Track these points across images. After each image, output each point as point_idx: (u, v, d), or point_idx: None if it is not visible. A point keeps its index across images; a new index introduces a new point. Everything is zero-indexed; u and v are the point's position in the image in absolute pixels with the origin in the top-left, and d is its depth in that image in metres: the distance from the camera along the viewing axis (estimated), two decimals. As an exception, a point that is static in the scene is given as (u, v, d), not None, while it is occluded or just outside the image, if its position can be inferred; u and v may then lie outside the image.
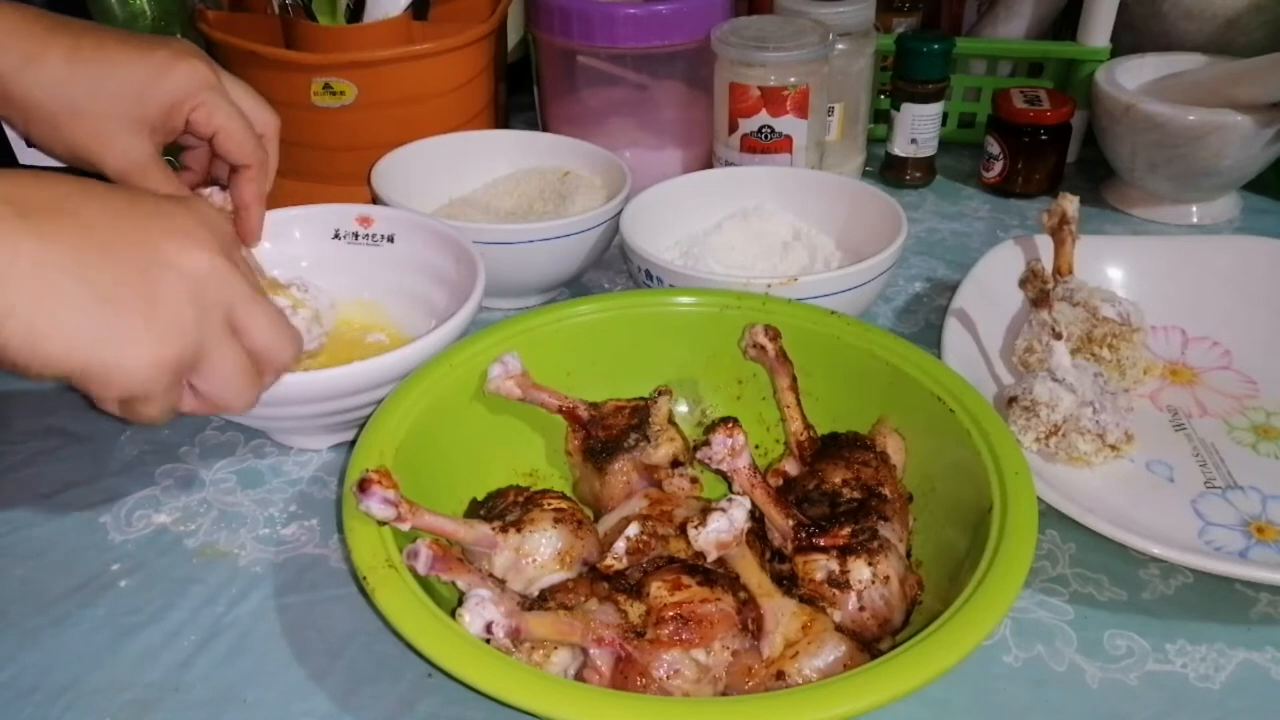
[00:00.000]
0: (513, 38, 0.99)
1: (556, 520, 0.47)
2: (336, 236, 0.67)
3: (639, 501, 0.51)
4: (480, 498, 0.52)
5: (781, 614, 0.43)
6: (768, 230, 0.73)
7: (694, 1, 0.82)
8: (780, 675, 0.41)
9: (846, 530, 0.46)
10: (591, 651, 0.41)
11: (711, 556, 0.42)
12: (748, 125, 0.80)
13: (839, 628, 0.43)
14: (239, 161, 0.57)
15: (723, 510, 0.42)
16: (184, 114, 0.54)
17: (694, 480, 0.53)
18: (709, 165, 0.86)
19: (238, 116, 0.55)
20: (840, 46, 0.82)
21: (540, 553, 0.46)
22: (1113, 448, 0.57)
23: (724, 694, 0.42)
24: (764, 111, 0.79)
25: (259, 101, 0.59)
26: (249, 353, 0.43)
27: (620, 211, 0.69)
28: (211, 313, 0.41)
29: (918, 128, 0.89)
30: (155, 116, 0.53)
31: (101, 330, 0.37)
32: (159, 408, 0.41)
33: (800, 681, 0.41)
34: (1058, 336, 0.58)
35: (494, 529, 0.46)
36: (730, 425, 0.45)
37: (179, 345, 0.39)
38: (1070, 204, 0.65)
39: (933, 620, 0.39)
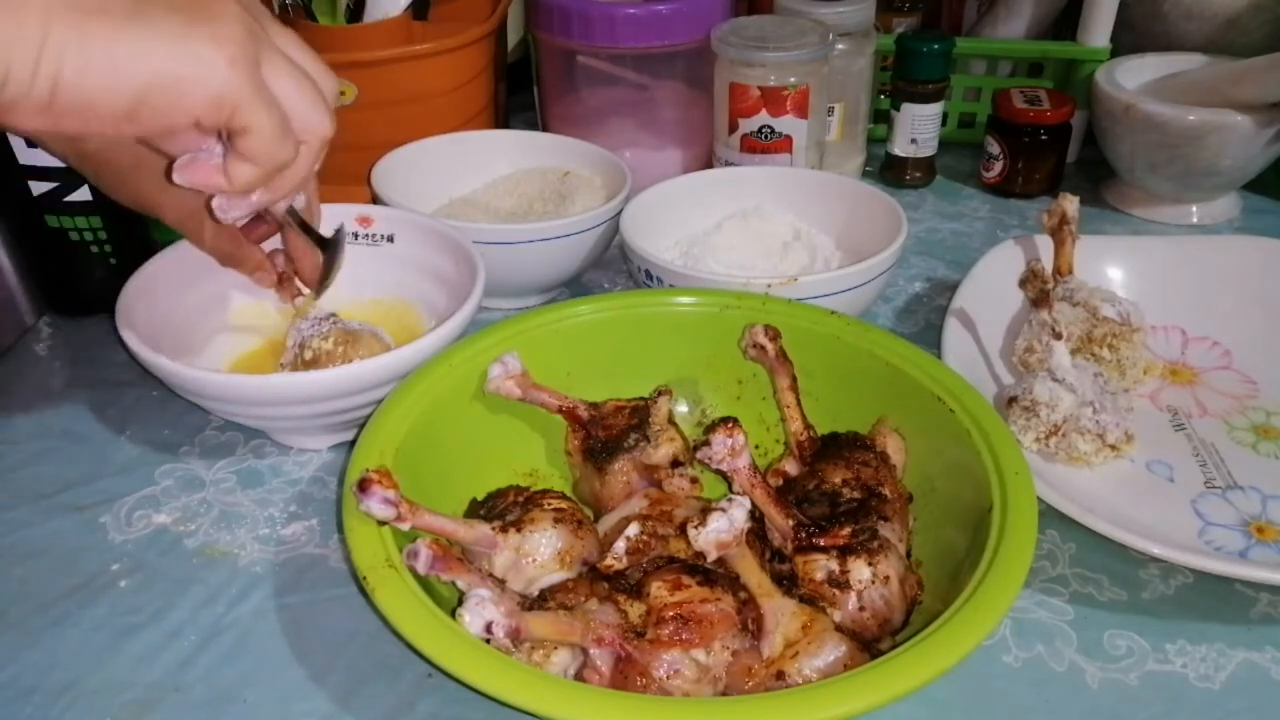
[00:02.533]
0: (513, 38, 0.99)
1: (556, 520, 0.47)
2: (336, 236, 0.67)
3: (639, 501, 0.51)
4: (480, 498, 0.52)
5: (781, 614, 0.43)
6: (768, 230, 0.73)
7: (694, 1, 0.82)
8: (780, 675, 0.41)
9: (846, 530, 0.46)
10: (591, 651, 0.41)
11: (711, 556, 0.42)
12: (748, 125, 0.80)
13: (839, 628, 0.43)
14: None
15: (723, 510, 0.42)
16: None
17: (694, 480, 0.53)
18: (709, 165, 0.86)
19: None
20: (840, 46, 0.82)
21: (540, 553, 0.46)
22: (1113, 448, 0.57)
23: (724, 694, 0.42)
24: (764, 111, 0.79)
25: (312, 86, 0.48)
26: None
27: (620, 211, 0.69)
28: (250, 11, 0.39)
29: (918, 128, 0.89)
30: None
31: (158, 30, 0.35)
32: (265, 117, 0.38)
33: (800, 681, 0.41)
34: (1058, 336, 0.58)
35: (494, 529, 0.46)
36: (730, 425, 0.45)
37: (240, 33, 0.37)
38: (1070, 204, 0.65)
39: (933, 620, 0.39)
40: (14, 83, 0.33)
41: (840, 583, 0.45)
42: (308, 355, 0.58)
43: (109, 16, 0.34)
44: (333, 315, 0.60)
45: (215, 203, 0.44)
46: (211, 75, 0.36)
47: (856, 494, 0.49)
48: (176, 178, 0.42)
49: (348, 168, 0.78)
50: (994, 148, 0.88)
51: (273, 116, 0.39)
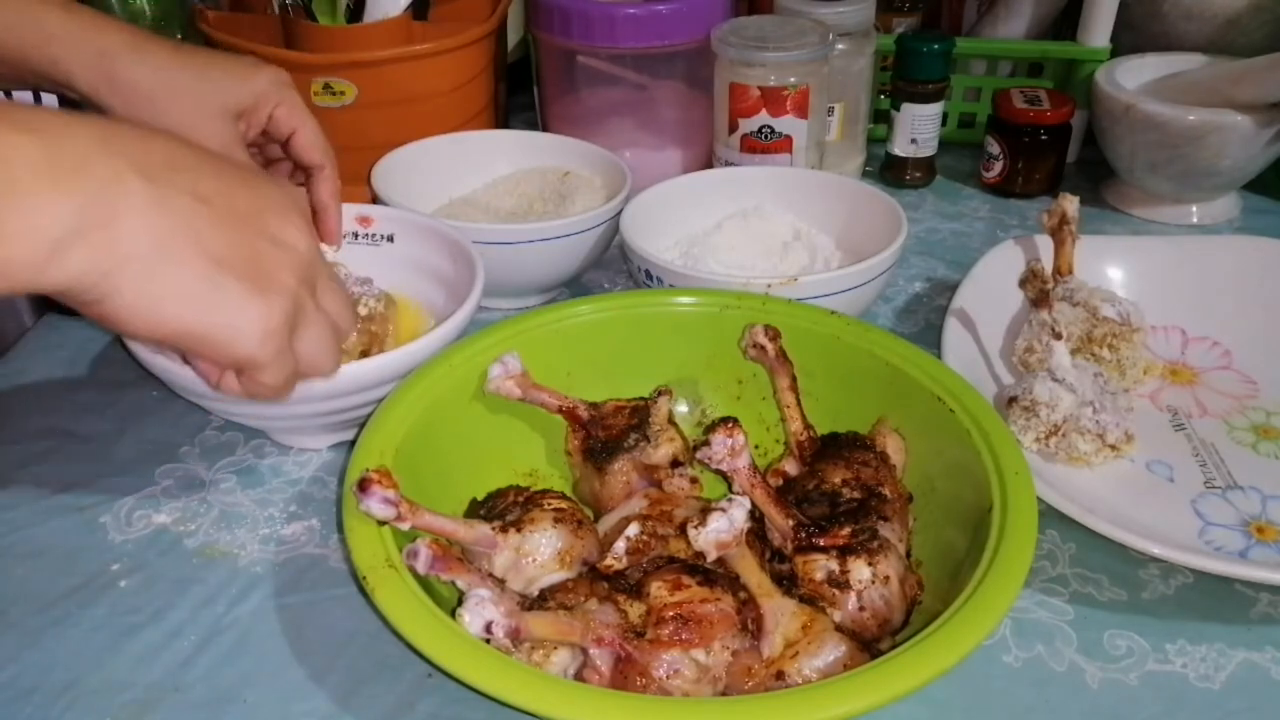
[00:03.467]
0: (513, 38, 0.99)
1: (556, 520, 0.47)
2: (336, 236, 0.67)
3: (639, 501, 0.51)
4: (480, 498, 0.52)
5: (781, 614, 0.43)
6: (768, 230, 0.73)
7: (694, 1, 0.82)
8: (780, 675, 0.41)
9: (846, 530, 0.46)
10: (591, 651, 0.41)
11: (711, 556, 0.42)
12: (748, 125, 0.80)
13: (839, 628, 0.43)
14: (313, 161, 0.60)
15: (723, 510, 0.42)
16: (268, 109, 0.57)
17: (694, 480, 0.53)
18: (709, 165, 0.86)
19: (312, 119, 0.59)
20: (840, 46, 0.82)
21: (540, 553, 0.46)
22: (1113, 448, 0.57)
23: (724, 694, 0.42)
24: (764, 111, 0.79)
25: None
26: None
27: (620, 211, 0.69)
28: (307, 286, 0.42)
29: (918, 128, 0.89)
30: (245, 106, 0.57)
31: (215, 295, 0.37)
32: (274, 375, 0.41)
33: (800, 681, 0.41)
34: (1058, 336, 0.58)
35: (494, 529, 0.46)
36: (730, 425, 0.45)
37: (285, 312, 0.40)
38: (1070, 204, 0.65)
39: (933, 620, 0.39)
40: (76, 288, 0.35)
41: (840, 583, 0.45)
42: (362, 311, 0.59)
43: (185, 272, 0.37)
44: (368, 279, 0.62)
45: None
46: (244, 344, 0.39)
47: (856, 494, 0.49)
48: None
49: (348, 168, 0.77)
50: (994, 148, 0.88)
51: (280, 375, 0.41)
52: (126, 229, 0.35)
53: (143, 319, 0.37)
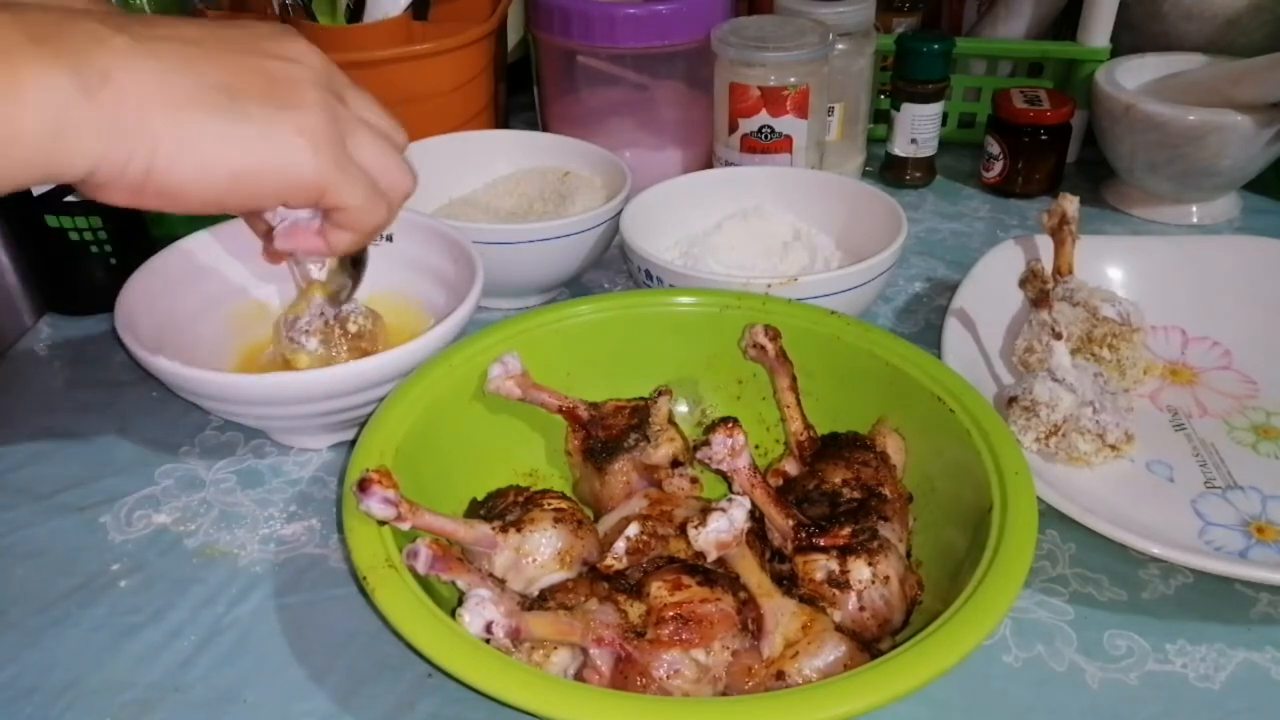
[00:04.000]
0: (513, 38, 0.99)
1: (556, 520, 0.47)
2: (336, 236, 0.67)
3: (639, 501, 0.51)
4: (480, 498, 0.52)
5: (781, 614, 0.43)
6: (768, 230, 0.73)
7: (694, 1, 0.82)
8: (780, 675, 0.41)
9: (846, 530, 0.46)
10: (591, 651, 0.41)
11: (711, 556, 0.42)
12: (748, 125, 0.80)
13: (839, 628, 0.43)
14: None
15: (723, 510, 0.42)
16: None
17: (694, 480, 0.53)
18: (709, 165, 0.86)
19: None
20: (840, 46, 0.82)
21: (540, 553, 0.46)
22: (1113, 448, 0.57)
23: (724, 694, 0.42)
24: (764, 111, 0.79)
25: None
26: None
27: (620, 211, 0.69)
28: (334, 95, 0.40)
29: (918, 128, 0.89)
30: None
31: (245, 125, 0.36)
32: (354, 192, 0.40)
33: (800, 681, 0.41)
34: (1058, 336, 0.58)
35: (494, 529, 0.46)
36: (730, 425, 0.45)
37: (322, 119, 0.38)
38: (1070, 204, 0.65)
39: (933, 620, 0.39)
40: (107, 168, 0.34)
41: (840, 583, 0.45)
42: (352, 329, 0.59)
43: (202, 109, 0.35)
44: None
45: (296, 268, 0.46)
46: (299, 164, 0.38)
47: (856, 494, 0.49)
48: (279, 244, 0.44)
49: (348, 168, 0.78)
50: (994, 148, 0.88)
51: (361, 190, 0.41)
52: (126, 85, 0.34)
53: (193, 174, 0.35)
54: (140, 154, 0.34)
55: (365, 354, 0.59)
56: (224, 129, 0.36)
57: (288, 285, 0.65)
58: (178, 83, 0.35)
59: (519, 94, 1.01)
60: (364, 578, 0.41)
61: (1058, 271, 0.67)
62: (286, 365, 0.59)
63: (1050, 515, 0.51)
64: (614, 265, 0.79)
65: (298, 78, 0.38)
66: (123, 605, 0.51)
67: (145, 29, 0.35)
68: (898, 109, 0.89)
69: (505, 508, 0.49)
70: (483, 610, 0.39)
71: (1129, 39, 0.90)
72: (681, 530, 0.47)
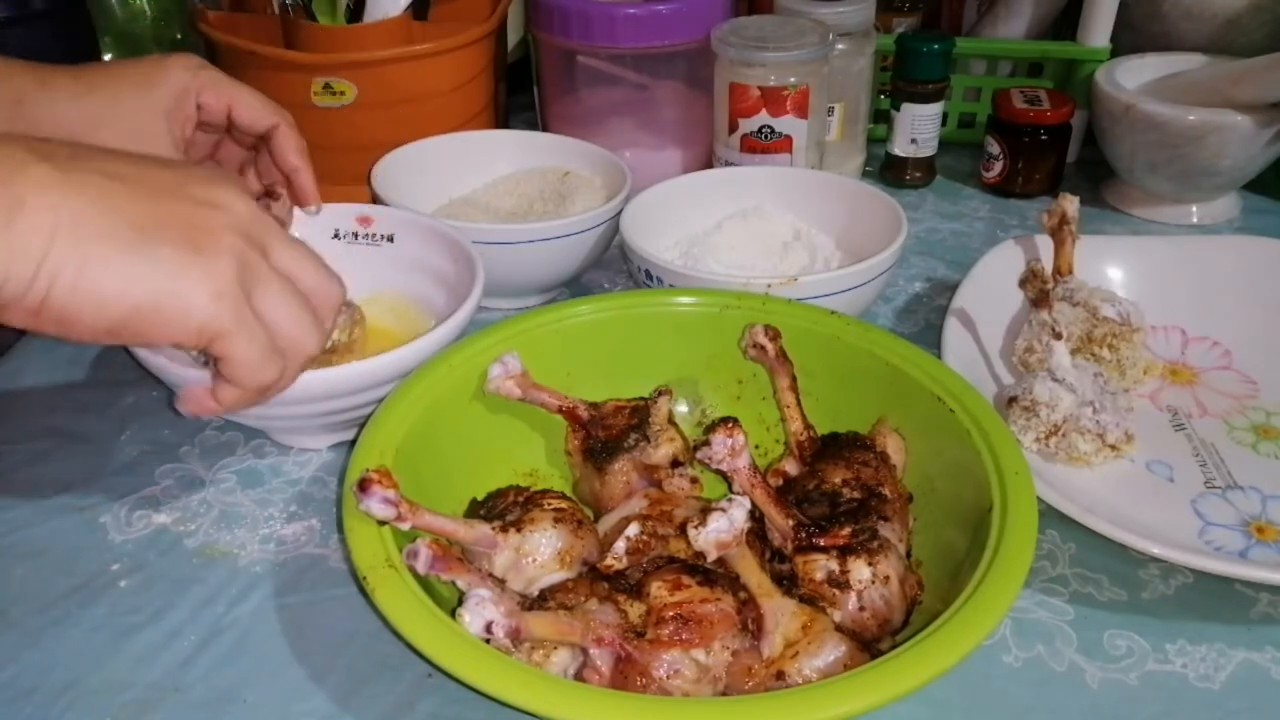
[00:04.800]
0: (513, 38, 0.99)
1: (556, 520, 0.47)
2: (336, 236, 0.67)
3: (639, 501, 0.51)
4: (480, 498, 0.52)
5: (781, 614, 0.43)
6: (768, 230, 0.73)
7: (694, 1, 0.82)
8: (780, 675, 0.41)
9: (846, 530, 0.46)
10: (591, 651, 0.41)
11: (711, 556, 0.42)
12: (748, 125, 0.80)
13: (839, 628, 0.43)
14: (265, 123, 0.58)
15: (723, 510, 0.42)
16: (194, 99, 0.55)
17: (694, 480, 0.53)
18: (709, 165, 0.86)
19: (244, 86, 0.56)
20: (840, 46, 0.82)
21: (540, 553, 0.46)
22: (1113, 448, 0.57)
23: (724, 694, 0.42)
24: (764, 111, 0.79)
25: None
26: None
27: (620, 211, 0.69)
28: (254, 246, 0.40)
29: (918, 128, 0.89)
30: (169, 106, 0.54)
31: (151, 264, 0.37)
32: (246, 345, 0.40)
33: (800, 681, 0.41)
34: (1058, 336, 0.58)
35: (494, 529, 0.46)
36: (730, 425, 0.45)
37: (230, 268, 0.39)
38: (1070, 204, 0.65)
39: (933, 620, 0.39)
40: (10, 289, 0.35)
41: (840, 583, 0.45)
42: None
43: (109, 244, 0.36)
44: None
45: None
46: (194, 308, 0.38)
47: (856, 494, 0.49)
48: (181, 409, 0.45)
49: (348, 168, 0.78)
50: (994, 148, 0.88)
51: (254, 345, 0.40)
52: (39, 212, 0.35)
53: (89, 305, 0.36)
54: (41, 280, 0.35)
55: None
56: (127, 266, 0.36)
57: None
58: (90, 217, 0.36)
59: (519, 94, 1.01)
60: (364, 578, 0.41)
61: (1058, 271, 0.67)
62: None
63: (1050, 515, 0.51)
64: (614, 265, 0.79)
65: (216, 224, 0.39)
66: (123, 605, 0.50)
67: (72, 160, 0.37)
68: (898, 109, 0.89)
69: (505, 508, 0.49)
70: (483, 610, 0.39)
71: (1129, 39, 0.90)
72: (681, 530, 0.47)
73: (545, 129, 0.92)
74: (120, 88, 0.53)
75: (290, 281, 0.42)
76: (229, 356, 0.40)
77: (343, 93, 0.76)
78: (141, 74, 0.54)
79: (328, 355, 0.58)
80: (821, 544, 0.46)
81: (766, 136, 0.80)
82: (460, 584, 0.43)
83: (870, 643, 0.44)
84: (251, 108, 0.57)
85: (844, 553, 0.45)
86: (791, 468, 0.54)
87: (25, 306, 0.36)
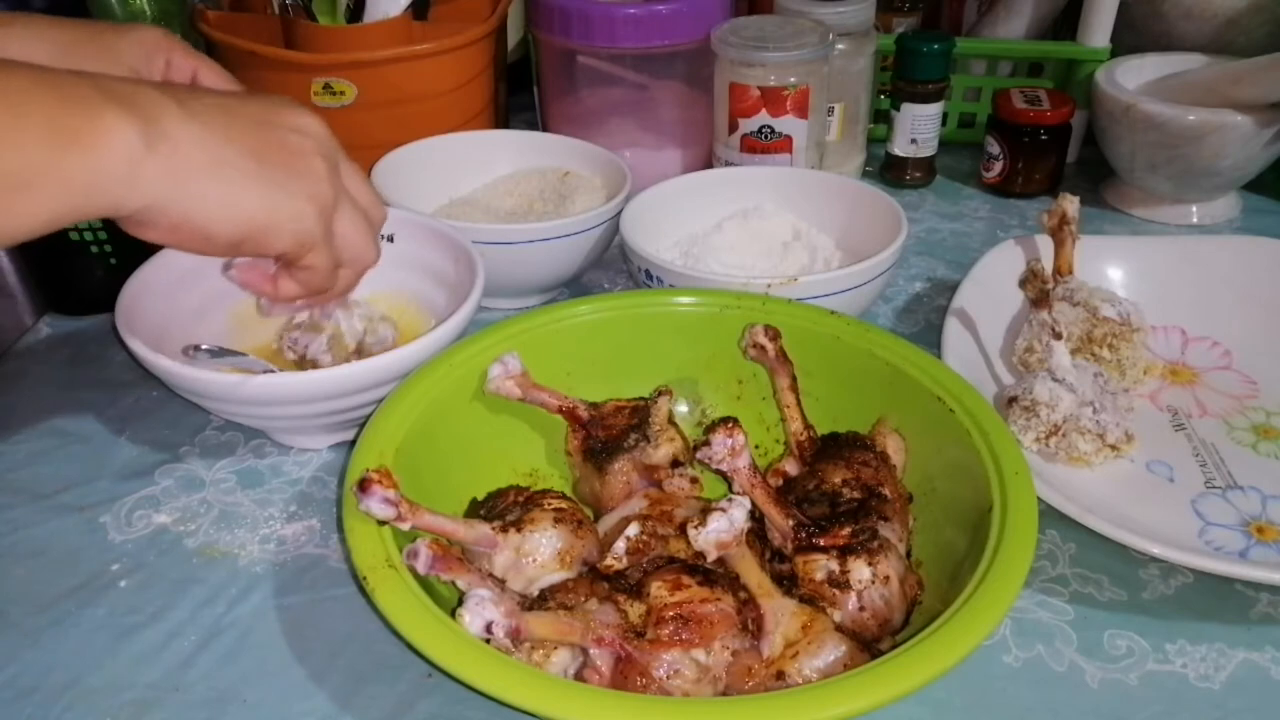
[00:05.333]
0: (513, 38, 0.99)
1: (556, 520, 0.47)
2: (336, 236, 0.67)
3: (639, 501, 0.51)
4: (480, 498, 0.52)
5: (781, 614, 0.43)
6: (768, 230, 0.73)
7: (694, 1, 0.82)
8: (780, 675, 0.41)
9: (846, 530, 0.46)
10: (591, 651, 0.41)
11: (711, 556, 0.42)
12: (748, 125, 0.80)
13: (839, 628, 0.43)
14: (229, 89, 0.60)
15: (723, 510, 0.42)
16: (161, 62, 0.57)
17: (694, 480, 0.53)
18: (709, 165, 0.86)
19: (205, 56, 0.59)
20: (840, 46, 0.82)
21: (540, 553, 0.46)
22: (1113, 448, 0.57)
23: (724, 694, 0.42)
24: (764, 111, 0.79)
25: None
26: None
27: (620, 211, 0.69)
28: (332, 166, 0.46)
29: (918, 128, 0.89)
30: (140, 62, 0.56)
31: (268, 184, 0.43)
32: (324, 256, 0.46)
33: (800, 681, 0.41)
34: (1058, 336, 0.58)
35: (494, 529, 0.46)
36: (730, 425, 0.45)
37: (324, 190, 0.45)
38: (1070, 204, 0.65)
39: (933, 620, 0.39)
40: (156, 211, 0.41)
41: (840, 583, 0.45)
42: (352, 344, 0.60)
43: (237, 170, 0.43)
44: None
45: (262, 303, 0.52)
46: (305, 224, 0.45)
47: (856, 494, 0.49)
48: (234, 274, 0.50)
49: (348, 168, 0.78)
50: (994, 148, 0.88)
51: (330, 258, 0.47)
52: (180, 141, 0.40)
53: (223, 217, 0.42)
54: (184, 201, 0.41)
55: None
56: (252, 188, 0.43)
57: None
58: (218, 147, 0.42)
59: (519, 94, 1.01)
60: (364, 578, 0.41)
61: (1058, 271, 0.67)
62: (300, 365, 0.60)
63: (1050, 515, 0.51)
64: (614, 265, 0.79)
65: (308, 149, 0.45)
66: (123, 605, 0.51)
67: (193, 100, 0.43)
68: (898, 109, 0.89)
69: (505, 508, 0.49)
70: (483, 610, 0.39)
71: (1129, 39, 0.90)
72: (681, 530, 0.47)
73: (545, 129, 0.92)
74: (105, 39, 0.56)
75: (354, 198, 0.48)
76: (312, 265, 0.46)
77: (343, 93, 0.76)
78: (122, 30, 0.57)
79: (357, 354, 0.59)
80: (821, 544, 0.46)
81: (766, 136, 0.80)
82: (460, 584, 0.43)
83: (870, 643, 0.44)
84: (217, 74, 0.59)
85: (844, 553, 0.45)
86: (791, 468, 0.54)
87: (169, 223, 0.41)
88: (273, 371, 0.57)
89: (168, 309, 0.60)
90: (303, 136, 0.45)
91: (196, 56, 0.58)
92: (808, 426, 0.54)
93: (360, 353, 0.60)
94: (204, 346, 0.55)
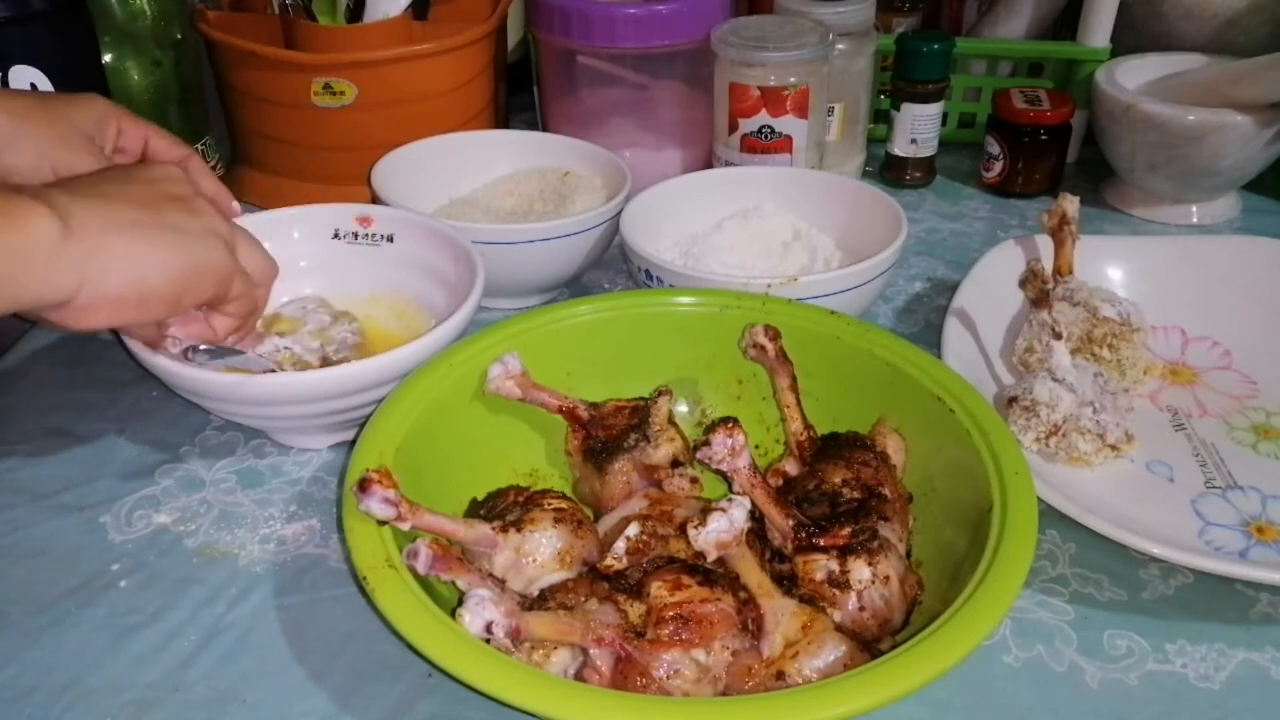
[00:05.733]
0: (513, 38, 0.99)
1: (556, 520, 0.47)
2: (336, 236, 0.67)
3: (639, 501, 0.51)
4: (480, 498, 0.52)
5: (781, 614, 0.43)
6: (768, 230, 0.73)
7: (694, 1, 0.82)
8: (780, 675, 0.41)
9: (846, 530, 0.46)
10: (591, 651, 0.41)
11: (711, 556, 0.42)
12: (748, 125, 0.80)
13: (839, 628, 0.43)
14: (177, 154, 0.61)
15: (723, 510, 0.42)
16: (112, 129, 0.59)
17: (694, 480, 0.53)
18: (709, 165, 0.86)
19: (152, 124, 0.61)
20: (840, 46, 0.82)
21: (540, 553, 0.46)
22: (1113, 448, 0.57)
23: (724, 694, 0.42)
24: (764, 111, 0.79)
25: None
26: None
27: (620, 211, 0.69)
28: (200, 200, 0.50)
29: (918, 128, 0.89)
30: (91, 130, 0.58)
31: (176, 234, 0.46)
32: (242, 281, 0.50)
33: (800, 681, 0.41)
34: (1058, 336, 0.58)
35: (494, 529, 0.46)
36: (730, 425, 0.45)
37: (219, 223, 0.49)
38: (1070, 204, 0.65)
39: (933, 620, 0.39)
40: (89, 289, 0.43)
41: (840, 583, 0.45)
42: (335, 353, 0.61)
43: (147, 229, 0.45)
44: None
45: (170, 345, 0.54)
46: (222, 258, 0.48)
47: (856, 494, 0.49)
48: (175, 333, 0.53)
49: (348, 168, 0.78)
50: (994, 148, 0.88)
51: (246, 281, 0.51)
52: (84, 216, 0.43)
53: (160, 277, 0.45)
54: (116, 269, 0.44)
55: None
56: (167, 239, 0.46)
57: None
58: (118, 210, 0.44)
59: (519, 94, 1.01)
60: (364, 578, 0.41)
61: (1058, 271, 0.67)
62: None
63: (1050, 515, 0.51)
64: (614, 265, 0.79)
65: (184, 192, 0.49)
66: (123, 605, 0.51)
67: (70, 184, 0.46)
68: (898, 109, 0.89)
69: (505, 508, 0.49)
70: (483, 610, 0.39)
71: (1129, 39, 0.90)
72: (681, 530, 0.47)
73: (545, 129, 0.92)
74: (55, 108, 0.57)
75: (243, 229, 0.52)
76: (234, 293, 0.50)
77: (343, 93, 0.76)
78: (72, 101, 0.59)
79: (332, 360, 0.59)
80: (821, 544, 0.46)
81: (766, 136, 0.80)
82: (460, 584, 0.43)
83: (870, 643, 0.44)
84: (165, 139, 0.62)
85: (844, 553, 0.45)
86: (791, 468, 0.54)
87: (112, 296, 0.44)
88: (273, 371, 0.57)
89: (168, 309, 0.60)
90: (171, 182, 0.49)
91: (145, 125, 0.61)
92: (808, 426, 0.54)
93: (327, 361, 0.60)
94: (203, 347, 0.55)
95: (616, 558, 0.47)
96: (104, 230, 0.44)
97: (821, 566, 0.45)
